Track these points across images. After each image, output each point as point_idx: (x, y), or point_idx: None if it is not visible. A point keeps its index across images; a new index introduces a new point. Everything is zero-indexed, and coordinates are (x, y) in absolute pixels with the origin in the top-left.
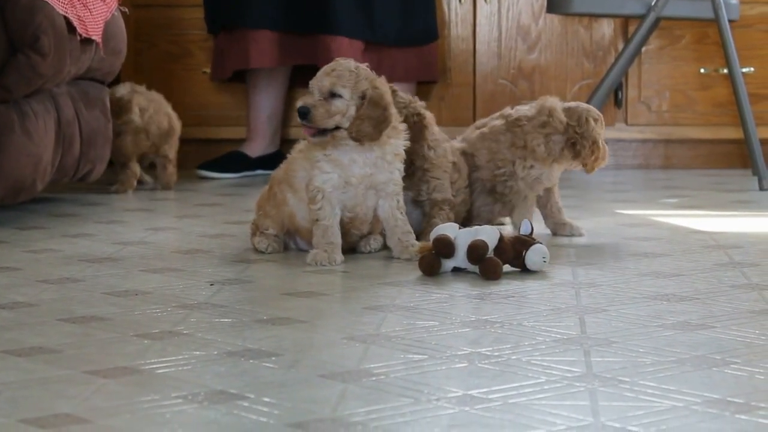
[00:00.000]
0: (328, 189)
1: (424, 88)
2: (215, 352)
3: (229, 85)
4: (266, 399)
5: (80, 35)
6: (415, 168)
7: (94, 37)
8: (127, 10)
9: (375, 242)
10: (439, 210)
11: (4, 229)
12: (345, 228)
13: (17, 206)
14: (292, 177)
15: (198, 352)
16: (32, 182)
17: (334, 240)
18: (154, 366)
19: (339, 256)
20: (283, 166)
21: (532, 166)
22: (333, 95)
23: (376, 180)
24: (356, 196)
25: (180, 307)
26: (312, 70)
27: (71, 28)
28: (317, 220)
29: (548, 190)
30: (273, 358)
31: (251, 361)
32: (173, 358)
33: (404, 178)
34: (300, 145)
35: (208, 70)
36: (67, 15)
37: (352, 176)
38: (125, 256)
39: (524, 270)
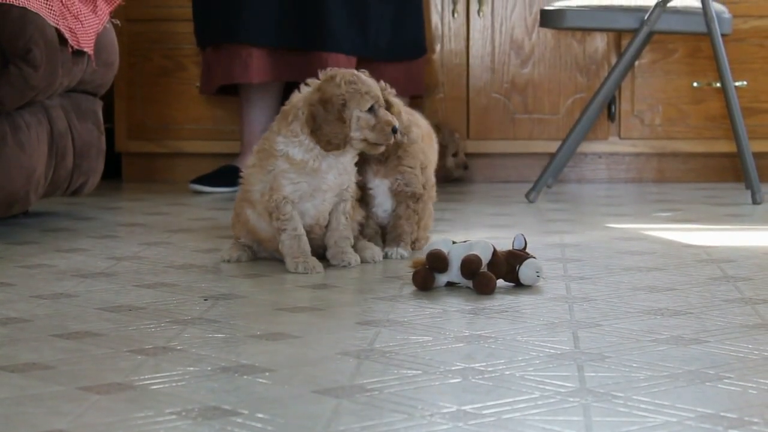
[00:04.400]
0: (296, 198)
1: (416, 102)
2: (209, 368)
3: (223, 99)
4: (260, 415)
5: (72, 47)
6: (389, 155)
7: (85, 49)
8: (119, 22)
9: (379, 254)
10: (405, 208)
11: None
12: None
13: (10, 220)
14: (248, 193)
15: (192, 368)
16: (25, 194)
17: (306, 248)
18: (148, 382)
19: (318, 265)
20: (241, 185)
21: None
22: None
23: (343, 185)
24: (323, 202)
25: (174, 322)
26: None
27: (63, 40)
28: (285, 230)
29: None
30: (267, 374)
31: (245, 376)
32: (167, 374)
33: (380, 166)
34: (251, 160)
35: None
36: (58, 27)
37: (324, 183)
38: (119, 271)
39: (518, 284)
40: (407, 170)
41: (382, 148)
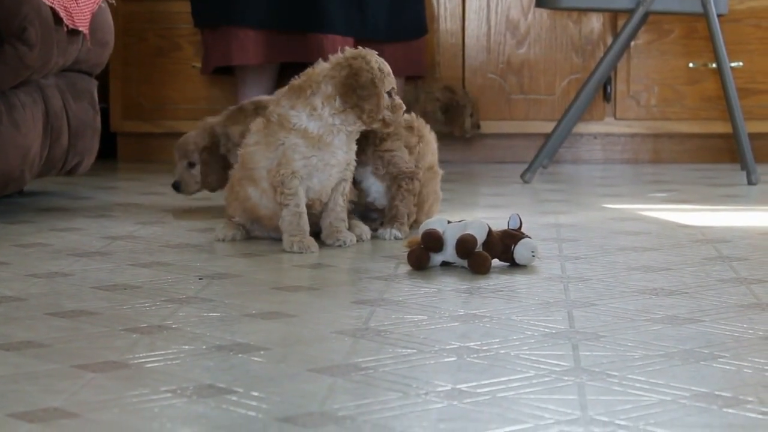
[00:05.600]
0: (305, 173)
1: (412, 83)
2: (204, 347)
3: (219, 79)
4: (255, 393)
5: (67, 26)
6: (367, 140)
7: (81, 28)
8: (114, 1)
9: (367, 232)
10: (398, 189)
11: None
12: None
13: (5, 200)
14: (251, 171)
15: (187, 347)
16: (20, 173)
17: (306, 227)
18: (143, 360)
19: (314, 244)
20: (239, 163)
21: None
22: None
23: (348, 161)
24: (329, 177)
25: (169, 301)
26: (299, 67)
27: (58, 19)
28: (287, 205)
29: None
30: (262, 353)
31: (240, 355)
32: (162, 352)
33: (358, 153)
34: (252, 138)
35: (198, 65)
36: (53, 6)
37: (333, 158)
38: (114, 250)
39: (513, 264)
40: (385, 154)
41: (391, 128)
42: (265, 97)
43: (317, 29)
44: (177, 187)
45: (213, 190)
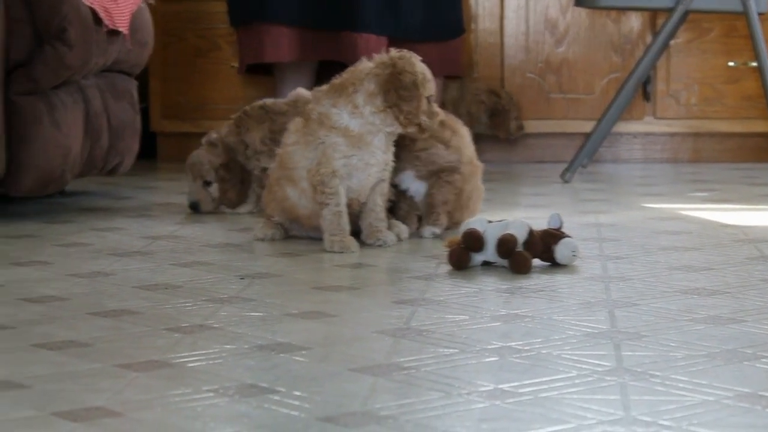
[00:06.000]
0: (345, 172)
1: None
2: (246, 346)
3: (257, 79)
4: (297, 393)
5: (106, 27)
6: (400, 146)
7: (120, 29)
8: (153, 2)
9: (405, 231)
10: (437, 180)
11: (34, 222)
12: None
13: (46, 200)
14: (290, 171)
15: (229, 346)
16: (61, 174)
17: (346, 227)
18: (185, 360)
19: (354, 244)
20: (277, 163)
21: None
22: None
23: (387, 161)
24: (368, 177)
25: (210, 300)
26: (338, 67)
27: (97, 19)
28: (328, 204)
29: None
30: (303, 352)
31: (282, 354)
32: (204, 351)
33: (395, 159)
34: (290, 137)
35: (236, 64)
36: (93, 6)
37: (373, 158)
38: (155, 250)
39: (554, 264)
40: (422, 153)
41: (426, 134)
42: (269, 100)
43: (351, 28)
44: (195, 207)
45: (233, 206)
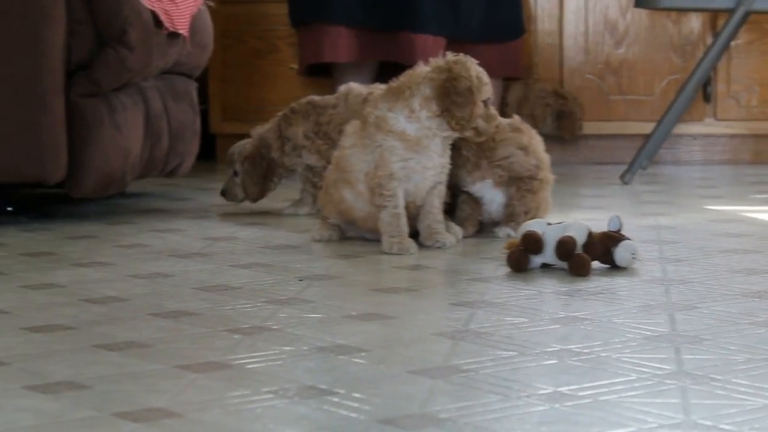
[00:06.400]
0: (403, 175)
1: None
2: (305, 348)
3: (316, 81)
4: (356, 394)
5: (167, 29)
6: (478, 155)
7: (180, 31)
8: (213, 4)
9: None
10: (517, 190)
11: (94, 223)
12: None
13: (106, 201)
14: (347, 174)
15: (288, 348)
16: (122, 175)
17: (404, 229)
18: (245, 361)
19: (413, 246)
20: (333, 166)
21: None
22: None
23: (443, 165)
24: (424, 180)
25: (269, 302)
26: (398, 67)
27: (158, 21)
28: (386, 207)
29: None
30: (362, 354)
31: (341, 356)
32: (263, 353)
33: (475, 169)
34: (348, 140)
35: (295, 66)
36: (153, 8)
37: (429, 161)
38: (214, 251)
39: (613, 266)
40: (503, 162)
41: (483, 138)
42: (316, 97)
43: (410, 28)
44: (223, 193)
45: (254, 200)
